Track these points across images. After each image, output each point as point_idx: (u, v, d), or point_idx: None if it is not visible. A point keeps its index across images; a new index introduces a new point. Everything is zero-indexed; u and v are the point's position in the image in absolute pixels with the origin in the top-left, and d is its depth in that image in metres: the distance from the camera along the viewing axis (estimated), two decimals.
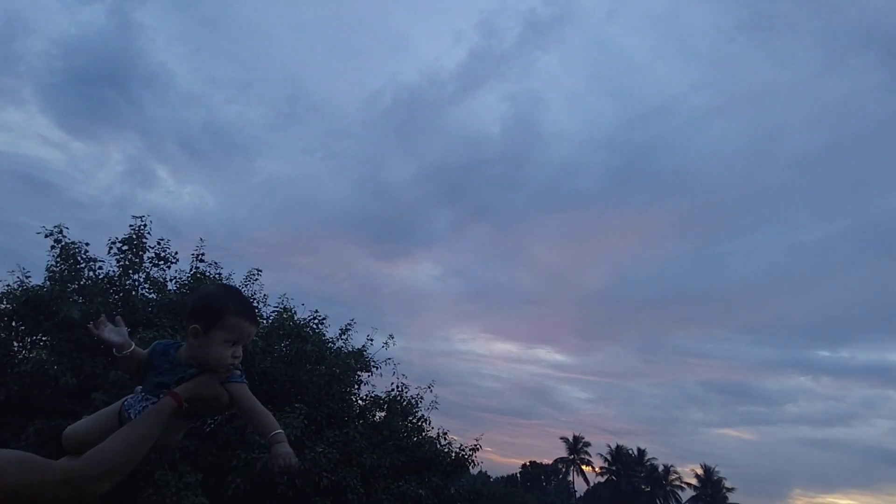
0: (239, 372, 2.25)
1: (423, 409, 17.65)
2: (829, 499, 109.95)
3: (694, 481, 73.92)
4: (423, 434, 17.37)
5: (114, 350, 2.28)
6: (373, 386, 17.50)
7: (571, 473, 76.38)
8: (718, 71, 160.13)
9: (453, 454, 17.53)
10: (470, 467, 19.06)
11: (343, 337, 16.91)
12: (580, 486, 76.00)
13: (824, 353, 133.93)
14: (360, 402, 16.91)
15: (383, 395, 17.25)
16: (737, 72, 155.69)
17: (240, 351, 2.19)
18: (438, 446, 17.33)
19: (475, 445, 18.34)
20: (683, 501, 73.53)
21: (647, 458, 75.31)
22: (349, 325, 17.10)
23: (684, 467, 76.54)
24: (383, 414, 16.94)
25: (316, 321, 16.24)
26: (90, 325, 2.31)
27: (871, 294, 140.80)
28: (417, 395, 17.66)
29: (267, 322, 15.60)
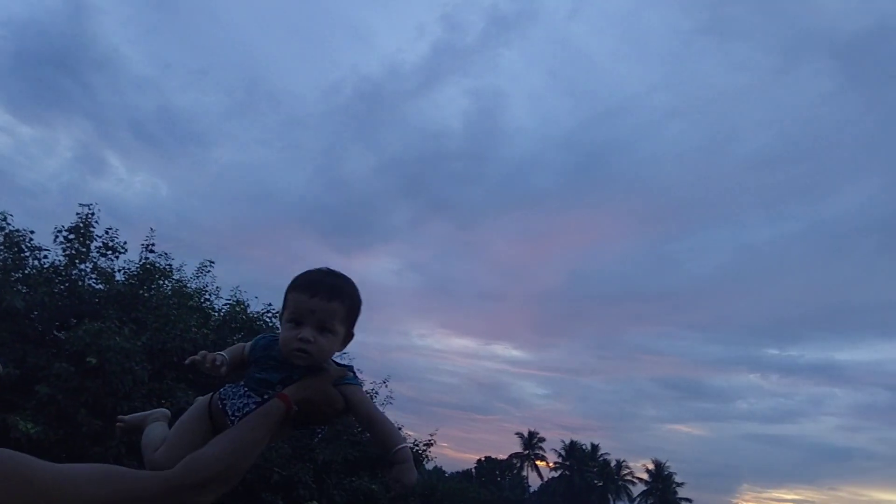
0: (352, 374, 1.95)
1: (378, 404, 17.57)
2: (775, 493, 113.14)
3: (645, 476, 75.32)
4: None
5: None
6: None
7: (526, 468, 77.10)
8: (676, 73, 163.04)
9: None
10: (425, 462, 19.08)
11: None
12: (534, 481, 76.85)
13: (773, 352, 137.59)
14: None
15: None
16: (694, 74, 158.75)
17: (308, 332, 1.81)
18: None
19: (430, 440, 18.35)
20: (634, 496, 74.88)
21: (600, 453, 76.42)
22: None
23: (636, 462, 77.93)
24: None
25: (270, 314, 16.05)
26: (203, 364, 1.92)
27: (818, 295, 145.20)
28: (373, 390, 17.61)
29: (218, 315, 15.34)
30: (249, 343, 2.03)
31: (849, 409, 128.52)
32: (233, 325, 15.07)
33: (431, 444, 18.44)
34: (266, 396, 1.82)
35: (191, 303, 14.95)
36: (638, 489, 75.19)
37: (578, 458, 75.67)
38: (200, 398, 2.01)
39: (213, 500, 1.60)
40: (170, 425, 2.16)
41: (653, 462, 76.07)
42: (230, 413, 1.82)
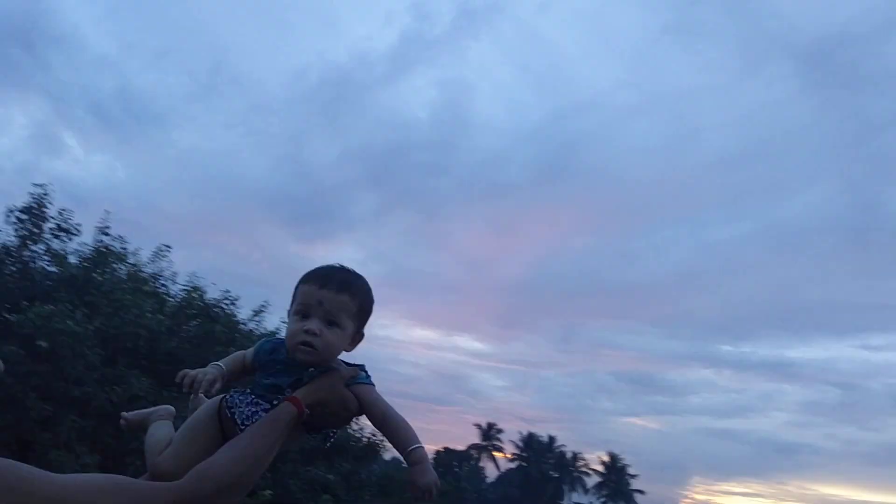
0: (364, 373, 1.90)
1: None
2: (724, 486, 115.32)
3: (600, 468, 76.46)
4: None
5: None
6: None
7: (484, 459, 77.65)
8: (642, 71, 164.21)
9: (365, 440, 17.50)
10: (382, 453, 19.09)
11: (256, 318, 16.60)
12: (491, 472, 77.39)
13: (727, 348, 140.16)
14: None
15: None
16: (659, 73, 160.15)
17: (314, 324, 1.77)
18: (350, 431, 17.26)
19: None
20: (589, 487, 75.97)
21: (556, 445, 77.30)
22: (263, 306, 16.79)
23: (592, 454, 79.15)
24: None
25: (227, 301, 15.87)
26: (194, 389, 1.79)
27: (771, 293, 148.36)
28: None
29: (174, 301, 15.11)
30: (252, 349, 1.97)
31: (798, 405, 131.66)
32: (189, 312, 14.85)
33: None
34: (276, 402, 1.75)
35: (146, 287, 14.70)
36: (593, 481, 76.35)
37: (536, 449, 76.42)
38: (209, 402, 1.92)
39: None
40: (175, 425, 2.07)
41: (608, 454, 77.36)
42: (239, 422, 1.75)
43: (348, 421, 1.88)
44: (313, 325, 1.76)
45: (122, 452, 11.87)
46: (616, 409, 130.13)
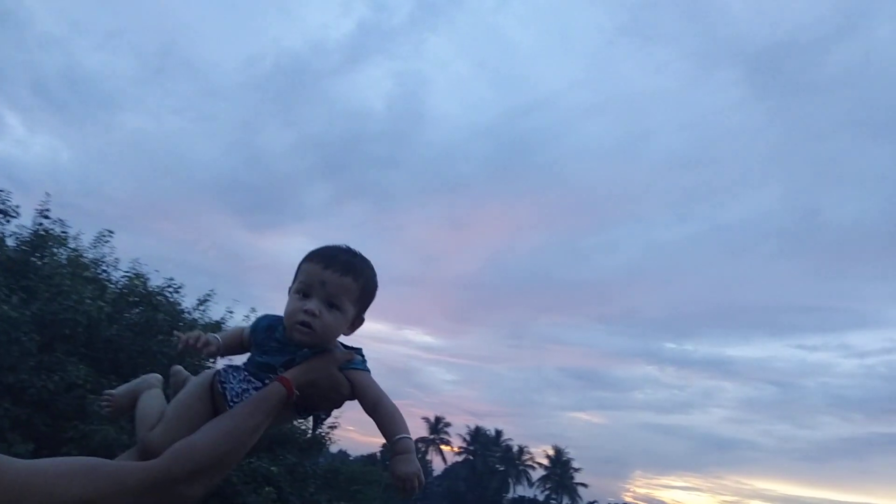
0: (361, 358, 1.85)
1: None
2: (664, 480, 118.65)
3: (545, 461, 77.52)
4: None
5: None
6: (229, 359, 16.95)
7: (431, 453, 77.86)
8: (597, 71, 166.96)
9: (310, 432, 17.36)
10: (328, 445, 18.96)
11: (201, 308, 16.30)
12: (438, 466, 77.75)
13: (670, 346, 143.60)
14: None
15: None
16: (614, 74, 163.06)
17: (314, 304, 1.72)
18: (295, 423, 17.10)
19: (333, 423, 18.23)
20: (534, 480, 76.99)
21: (503, 438, 78.03)
22: (208, 295, 16.49)
23: (537, 448, 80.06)
24: None
25: (171, 289, 15.53)
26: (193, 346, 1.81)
27: (714, 293, 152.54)
28: None
29: (115, 287, 14.73)
30: (250, 325, 1.92)
31: (736, 402, 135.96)
32: (130, 299, 14.50)
33: (336, 427, 18.34)
34: (267, 382, 1.72)
35: (86, 273, 14.28)
36: (538, 474, 77.43)
37: (482, 443, 77.01)
38: (201, 375, 1.87)
39: (203, 492, 1.48)
40: (166, 395, 1.98)
41: (553, 448, 78.44)
42: (229, 398, 1.72)
43: (340, 404, 1.82)
44: (313, 305, 1.72)
45: (58, 442, 11.55)
46: (562, 403, 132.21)
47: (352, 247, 1.86)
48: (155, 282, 15.46)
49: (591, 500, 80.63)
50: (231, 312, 16.55)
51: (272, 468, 14.59)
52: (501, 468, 76.50)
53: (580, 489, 76.54)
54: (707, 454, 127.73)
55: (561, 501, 76.43)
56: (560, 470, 76.53)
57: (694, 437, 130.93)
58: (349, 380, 1.78)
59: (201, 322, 15.90)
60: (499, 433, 78.49)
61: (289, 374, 1.69)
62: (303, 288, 1.76)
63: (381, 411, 1.74)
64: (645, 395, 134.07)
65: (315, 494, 17.04)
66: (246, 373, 1.78)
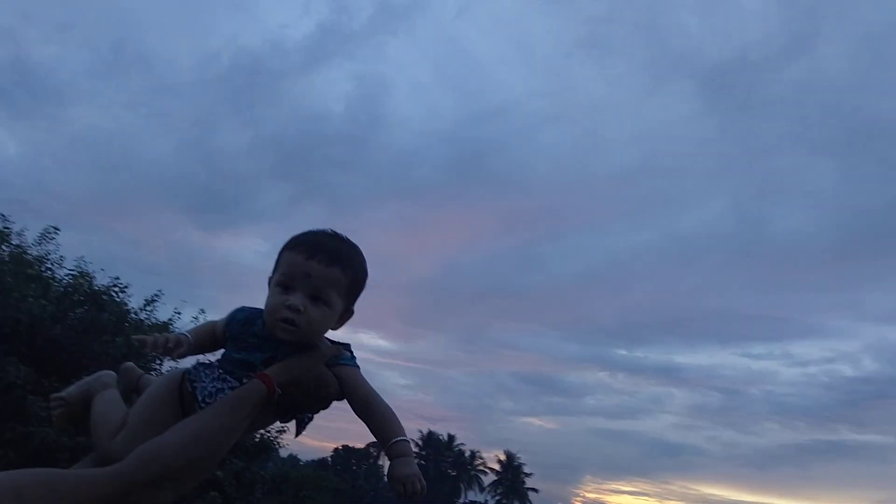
0: (349, 353, 1.69)
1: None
2: (614, 485, 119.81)
3: (497, 466, 77.81)
4: None
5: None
6: (176, 362, 16.64)
7: (382, 458, 77.52)
8: (554, 81, 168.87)
9: (257, 436, 17.14)
10: (278, 449, 18.75)
11: (148, 308, 15.97)
12: None
13: (622, 352, 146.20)
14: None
15: None
16: (571, 84, 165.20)
17: (298, 299, 1.54)
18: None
19: (282, 428, 18.03)
20: (485, 485, 77.20)
21: (455, 443, 78.07)
22: (156, 295, 16.17)
23: (489, 453, 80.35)
24: None
25: (117, 288, 15.19)
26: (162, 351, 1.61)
27: (665, 301, 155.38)
28: None
29: (60, 286, 14.35)
30: (224, 317, 1.73)
31: (684, 408, 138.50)
32: (75, 298, 14.15)
33: (285, 431, 18.14)
34: (246, 381, 1.54)
35: (30, 271, 13.88)
36: (489, 479, 77.66)
37: (435, 447, 76.96)
38: (168, 374, 1.70)
39: (173, 498, 1.34)
40: (126, 396, 1.80)
41: (505, 453, 78.80)
42: (200, 399, 1.55)
43: (327, 404, 1.64)
44: (297, 300, 1.54)
45: None
46: (515, 408, 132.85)
47: (338, 231, 1.69)
48: (101, 281, 15.14)
49: None
50: (179, 314, 16.26)
51: (217, 472, 14.36)
52: (453, 473, 76.55)
53: (531, 494, 77.09)
54: (655, 459, 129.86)
55: None
56: (511, 475, 76.90)
57: (643, 442, 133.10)
58: (337, 377, 1.62)
59: (148, 323, 15.58)
60: (451, 438, 78.60)
61: (270, 372, 1.53)
62: (285, 280, 1.58)
63: (373, 411, 1.59)
64: (596, 401, 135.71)
65: (262, 500, 16.85)
66: (220, 370, 1.61)
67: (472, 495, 77.44)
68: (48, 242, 14.77)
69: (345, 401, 1.65)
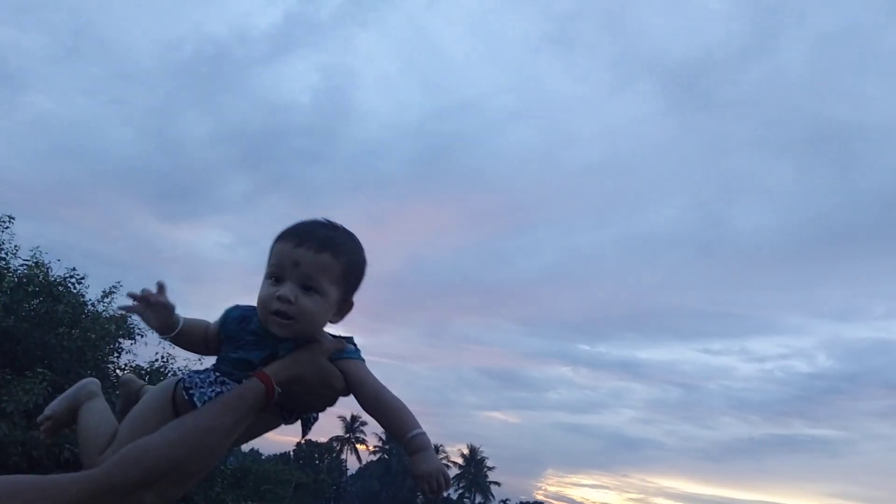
0: (353, 346, 1.62)
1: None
2: (575, 478, 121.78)
3: (460, 460, 78.10)
4: None
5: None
6: (135, 355, 16.37)
7: (346, 452, 77.23)
8: (522, 77, 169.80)
9: None
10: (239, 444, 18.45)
11: (106, 300, 15.63)
12: (353, 465, 77.21)
13: (584, 347, 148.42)
14: (118, 371, 15.73)
15: (146, 366, 16.17)
16: (538, 81, 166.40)
17: (288, 289, 1.47)
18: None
19: None
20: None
21: None
22: (114, 287, 15.83)
23: (453, 447, 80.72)
24: None
25: (73, 280, 14.86)
26: (135, 298, 1.55)
27: (627, 297, 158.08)
28: (185, 367, 16.78)
29: (13, 276, 13.97)
30: (218, 318, 1.66)
31: (644, 402, 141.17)
32: (30, 289, 13.78)
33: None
34: (245, 378, 1.49)
35: None
36: (452, 472, 77.93)
37: (397, 442, 77.05)
38: (160, 385, 1.64)
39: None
40: (126, 410, 1.72)
41: (468, 447, 79.15)
42: (200, 405, 1.47)
43: (332, 402, 1.58)
44: (287, 290, 1.48)
45: None
46: (479, 403, 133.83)
47: (332, 220, 1.63)
48: (57, 272, 14.80)
49: (504, 498, 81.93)
50: None
51: None
52: None
53: (493, 487, 77.61)
54: (615, 453, 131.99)
55: (474, 500, 77.23)
56: (474, 469, 77.29)
57: (604, 436, 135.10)
58: (342, 371, 1.55)
59: (105, 315, 15.25)
60: None
61: (269, 370, 1.47)
62: (275, 271, 1.52)
63: (384, 406, 1.53)
64: (559, 396, 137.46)
65: (221, 494, 16.64)
66: (217, 374, 1.54)
67: None
68: (2, 232, 14.37)
69: (352, 396, 1.60)
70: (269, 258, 1.56)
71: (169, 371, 16.25)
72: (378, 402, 1.53)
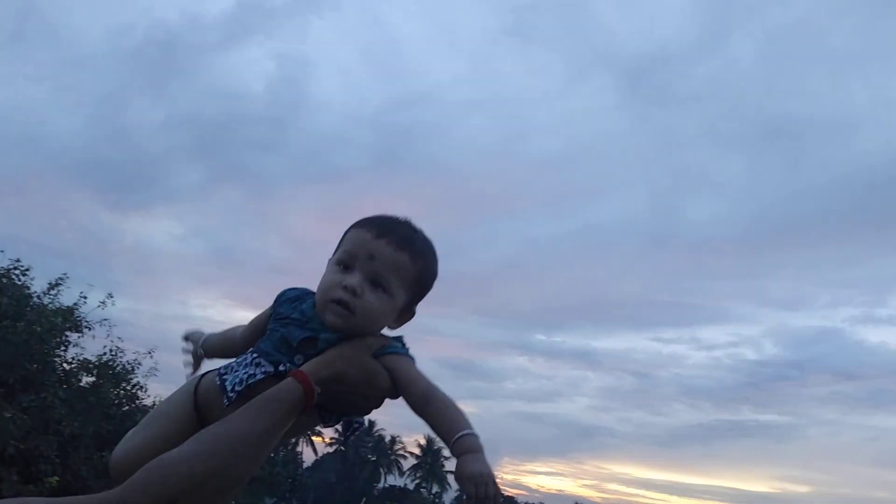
0: (400, 343, 1.48)
1: (140, 375, 16.51)
2: (531, 466, 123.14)
3: (417, 451, 78.36)
4: (138, 402, 16.34)
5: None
6: (82, 348, 15.99)
7: (302, 444, 76.88)
8: (479, 68, 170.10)
9: None
10: None
11: (52, 292, 15.22)
12: (309, 457, 76.81)
13: (541, 337, 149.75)
14: (65, 365, 15.36)
15: (94, 360, 15.82)
16: (496, 72, 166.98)
17: (356, 280, 1.36)
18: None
19: None
20: (405, 469, 77.72)
21: (376, 429, 78.09)
22: (60, 279, 15.44)
23: (410, 438, 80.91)
24: (92, 379, 15.55)
25: (17, 271, 14.45)
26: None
27: (582, 288, 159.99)
28: (135, 360, 16.47)
29: None
30: (271, 304, 1.56)
31: (598, 391, 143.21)
32: None
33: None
34: (282, 368, 1.35)
35: None
36: (409, 463, 78.24)
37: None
38: (181, 387, 1.52)
39: None
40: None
41: (425, 437, 79.44)
42: (228, 389, 1.35)
43: (378, 403, 1.44)
44: (355, 281, 1.36)
45: None
46: None
47: (414, 223, 1.53)
48: (0, 263, 14.35)
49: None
50: (85, 298, 15.55)
51: None
52: (373, 458, 76.62)
53: (450, 477, 78.03)
54: (570, 441, 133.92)
55: (430, 490, 77.61)
56: (431, 459, 77.61)
57: (559, 424, 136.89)
58: (388, 369, 1.40)
59: (51, 307, 14.87)
60: (371, 423, 78.54)
61: (307, 368, 1.32)
62: (346, 258, 1.41)
63: (435, 406, 1.38)
64: (516, 385, 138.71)
65: None
66: (255, 355, 1.41)
67: (391, 479, 77.88)
68: None
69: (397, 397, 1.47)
70: (341, 243, 1.46)
71: (117, 365, 15.96)
72: (428, 402, 1.39)
